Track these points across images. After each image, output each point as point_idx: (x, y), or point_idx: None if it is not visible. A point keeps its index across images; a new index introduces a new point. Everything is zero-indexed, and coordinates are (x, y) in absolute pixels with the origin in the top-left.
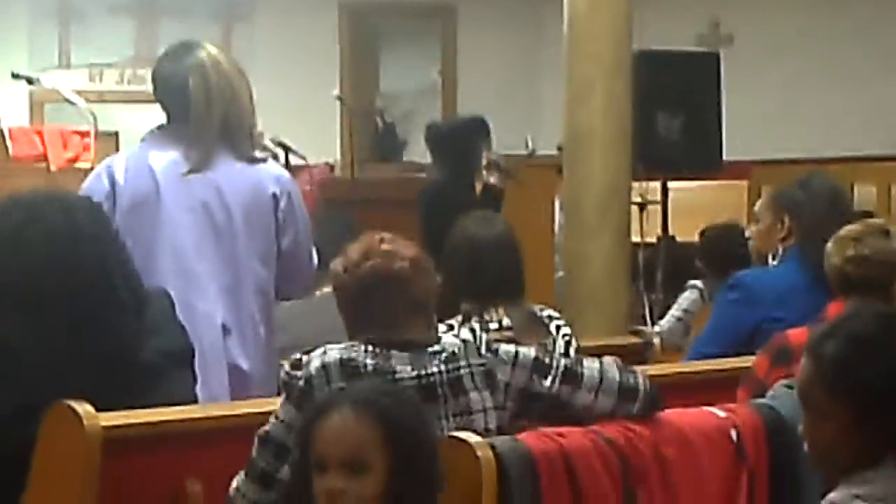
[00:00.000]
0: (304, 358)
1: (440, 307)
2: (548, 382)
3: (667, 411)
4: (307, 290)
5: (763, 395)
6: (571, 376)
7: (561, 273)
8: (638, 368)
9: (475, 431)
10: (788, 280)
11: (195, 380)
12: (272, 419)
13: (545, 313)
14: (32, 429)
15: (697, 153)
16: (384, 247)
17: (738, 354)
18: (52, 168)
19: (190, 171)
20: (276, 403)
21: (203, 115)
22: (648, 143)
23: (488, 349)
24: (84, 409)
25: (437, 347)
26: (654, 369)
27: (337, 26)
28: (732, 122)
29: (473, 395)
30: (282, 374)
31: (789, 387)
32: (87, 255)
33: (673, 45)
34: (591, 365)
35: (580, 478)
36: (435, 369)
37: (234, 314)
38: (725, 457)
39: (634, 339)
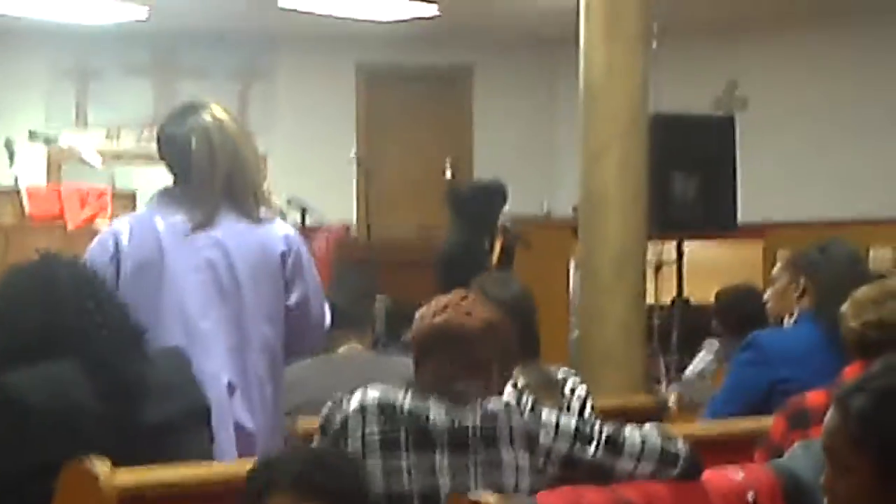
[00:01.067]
0: (344, 398)
1: None
2: (590, 450)
3: None
4: (319, 347)
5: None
6: (613, 445)
7: (576, 333)
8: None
9: (503, 488)
10: (803, 340)
11: (212, 438)
12: None
13: (559, 374)
14: (50, 485)
15: (713, 215)
16: (462, 304)
17: (754, 414)
18: (70, 227)
19: (194, 230)
20: None
21: (206, 175)
22: (664, 204)
23: (532, 412)
24: (100, 466)
25: (478, 404)
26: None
27: (354, 87)
28: (748, 183)
29: (506, 451)
30: (322, 411)
31: (806, 447)
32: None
33: (689, 108)
34: (632, 433)
35: None
36: (470, 422)
37: (240, 373)
38: None
39: (650, 399)
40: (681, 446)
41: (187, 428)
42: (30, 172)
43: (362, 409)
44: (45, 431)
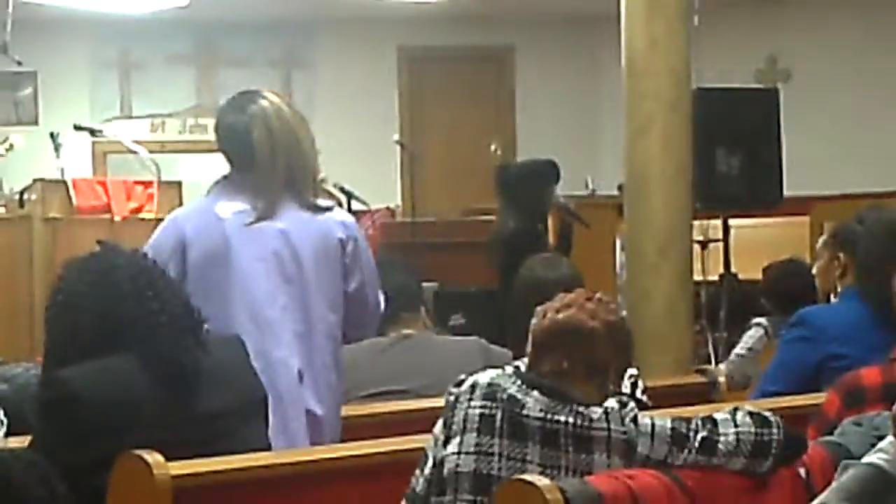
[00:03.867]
0: (468, 378)
1: (511, 345)
2: (684, 455)
3: None
4: (372, 334)
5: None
6: (709, 447)
7: (624, 313)
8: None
9: None
10: (851, 316)
11: (267, 427)
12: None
13: None
14: (106, 479)
15: (757, 190)
16: (587, 304)
17: (803, 392)
18: (116, 219)
19: (257, 220)
20: (347, 449)
21: (268, 164)
22: (708, 180)
23: (633, 420)
24: (154, 458)
25: (579, 407)
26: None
27: (396, 70)
28: (792, 157)
29: (599, 457)
30: (447, 392)
31: (858, 423)
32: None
33: (731, 82)
34: (727, 430)
35: None
36: (563, 418)
37: (308, 360)
38: (795, 494)
39: (699, 379)
40: (775, 433)
41: (244, 417)
42: (75, 165)
43: (473, 386)
44: (102, 426)
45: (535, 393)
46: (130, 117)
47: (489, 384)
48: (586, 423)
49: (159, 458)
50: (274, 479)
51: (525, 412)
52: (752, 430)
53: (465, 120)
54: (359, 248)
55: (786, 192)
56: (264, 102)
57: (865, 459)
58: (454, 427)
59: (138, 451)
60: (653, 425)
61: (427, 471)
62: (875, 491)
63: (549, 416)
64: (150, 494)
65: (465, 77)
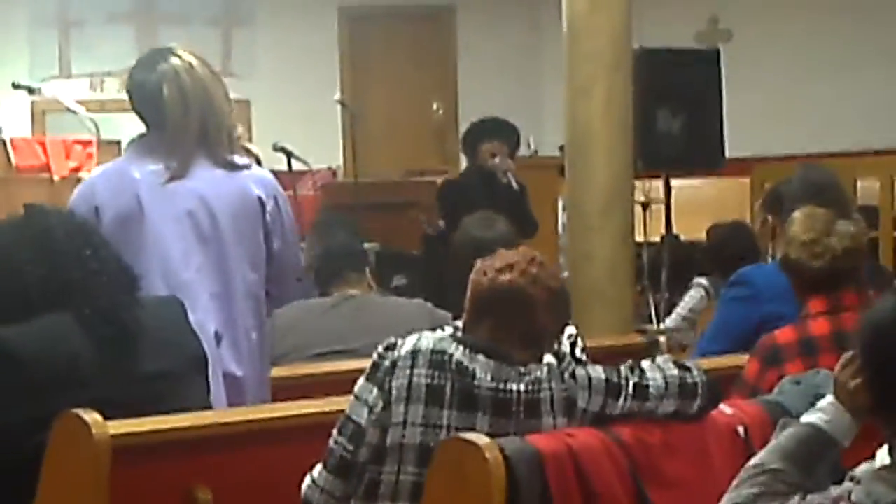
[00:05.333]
0: (399, 341)
1: (451, 306)
2: (620, 402)
3: None
4: (301, 294)
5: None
6: (641, 392)
7: (566, 273)
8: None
9: None
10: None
11: (208, 387)
12: (352, 399)
13: None
14: (44, 437)
15: (699, 150)
16: (531, 269)
17: (743, 350)
18: (56, 178)
19: (170, 180)
20: (281, 409)
21: (180, 122)
22: (650, 141)
23: (571, 376)
24: (92, 417)
25: (523, 369)
26: None
27: (336, 29)
28: (734, 118)
29: (547, 419)
30: (374, 355)
31: (797, 382)
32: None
33: (672, 43)
34: (653, 373)
35: (589, 478)
36: (514, 386)
37: (226, 321)
38: (734, 453)
39: (640, 339)
40: (697, 375)
41: (184, 377)
42: (14, 124)
43: (414, 352)
44: (39, 385)
45: (481, 357)
46: (70, 76)
47: (433, 351)
48: (535, 389)
49: (98, 417)
50: (212, 438)
51: (476, 382)
52: (676, 373)
53: (407, 80)
54: (279, 206)
55: (727, 153)
56: (175, 60)
57: (804, 419)
58: (394, 394)
59: (77, 411)
60: (588, 377)
61: (368, 437)
62: (813, 450)
63: (500, 385)
64: (89, 454)
65: (406, 37)
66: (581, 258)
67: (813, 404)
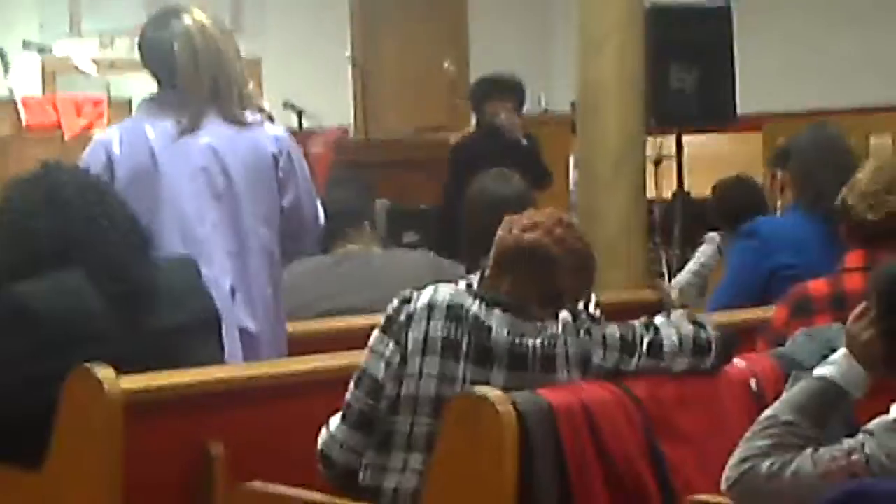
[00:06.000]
0: (414, 294)
1: (466, 262)
2: (635, 360)
3: None
4: (314, 249)
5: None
6: (656, 349)
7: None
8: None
9: None
10: (798, 229)
11: (221, 345)
12: (367, 353)
13: None
14: (58, 391)
15: (711, 106)
16: (557, 230)
17: (754, 301)
18: (66, 137)
19: (182, 134)
20: (294, 364)
21: (192, 78)
22: (662, 97)
23: (586, 332)
24: (104, 372)
25: (540, 324)
26: None
27: None
28: (746, 74)
29: (562, 374)
30: (388, 308)
31: (809, 335)
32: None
33: None
34: (667, 329)
35: (602, 431)
36: (531, 341)
37: (241, 277)
38: (747, 407)
39: (652, 294)
40: (711, 332)
41: (198, 334)
42: (25, 83)
43: (430, 306)
44: (55, 339)
45: (497, 311)
46: (80, 35)
47: (449, 305)
48: (551, 345)
49: (111, 372)
50: (225, 393)
51: (493, 336)
52: (691, 330)
53: (418, 36)
54: (293, 161)
55: (739, 110)
56: (186, 18)
57: (816, 372)
58: (410, 346)
59: (90, 366)
60: (603, 335)
61: (387, 391)
62: (825, 403)
63: (517, 340)
64: (101, 408)
65: None
66: (593, 215)
67: (826, 357)
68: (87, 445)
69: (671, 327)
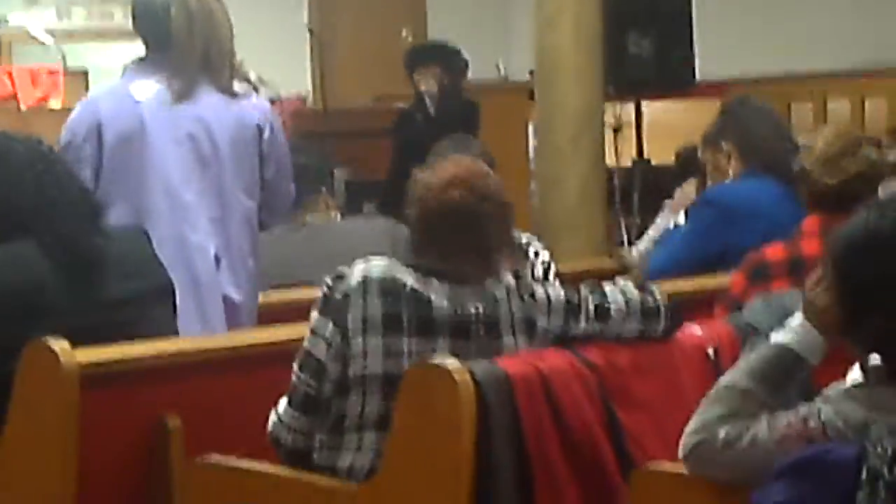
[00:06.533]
0: (347, 271)
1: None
2: (581, 324)
3: None
4: (284, 220)
5: None
6: (602, 312)
7: (536, 199)
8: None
9: None
10: (755, 192)
11: (175, 315)
12: (308, 334)
13: (523, 239)
14: (12, 365)
15: (670, 73)
16: (477, 182)
17: (709, 263)
18: (23, 108)
19: (173, 101)
20: (256, 335)
21: (185, 43)
22: (620, 64)
23: (530, 295)
24: (60, 345)
25: (480, 288)
26: None
27: None
28: (704, 40)
29: (507, 339)
30: (322, 286)
31: (766, 301)
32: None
33: None
34: (615, 296)
35: (559, 399)
36: (472, 310)
37: (224, 245)
38: (703, 374)
39: (613, 262)
40: (659, 297)
41: (150, 304)
42: None
43: (365, 282)
44: (8, 312)
45: (435, 281)
46: (36, 4)
47: (384, 279)
48: (493, 310)
49: (66, 345)
50: (181, 365)
51: (434, 308)
52: (637, 295)
53: (376, 5)
54: (275, 135)
55: (698, 76)
56: None
57: (773, 338)
58: (350, 326)
59: (45, 339)
60: (548, 297)
61: (330, 372)
62: (782, 370)
63: (458, 309)
64: (57, 381)
65: None
66: (552, 183)
67: (782, 323)
68: (44, 418)
69: (618, 292)
